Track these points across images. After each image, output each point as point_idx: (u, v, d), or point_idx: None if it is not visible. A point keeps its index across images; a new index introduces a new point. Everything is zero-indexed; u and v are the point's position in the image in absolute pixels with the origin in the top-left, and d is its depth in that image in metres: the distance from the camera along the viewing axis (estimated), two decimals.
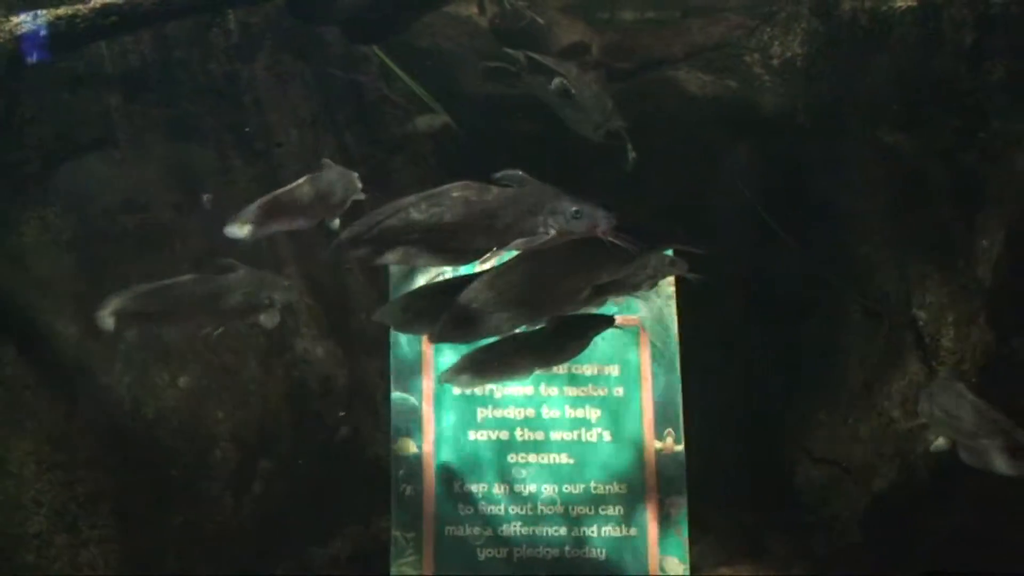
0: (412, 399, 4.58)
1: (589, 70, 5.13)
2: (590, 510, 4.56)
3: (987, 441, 3.79)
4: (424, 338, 4.51)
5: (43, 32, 3.96)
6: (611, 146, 4.67)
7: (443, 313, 3.30)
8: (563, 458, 4.59)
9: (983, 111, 4.44)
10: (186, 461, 4.55)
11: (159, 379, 4.49)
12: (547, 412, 4.61)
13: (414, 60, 5.03)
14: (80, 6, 4.01)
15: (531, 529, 4.54)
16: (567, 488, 4.57)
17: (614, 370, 4.64)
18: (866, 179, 4.86)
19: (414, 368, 4.60)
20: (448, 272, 4.41)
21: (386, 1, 4.44)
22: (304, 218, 3.72)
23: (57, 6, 4.00)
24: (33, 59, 4.00)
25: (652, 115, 5.12)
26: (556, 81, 4.42)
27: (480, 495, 4.55)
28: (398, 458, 4.54)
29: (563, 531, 4.54)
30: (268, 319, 3.90)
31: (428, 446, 4.56)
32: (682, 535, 4.55)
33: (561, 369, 4.56)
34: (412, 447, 4.55)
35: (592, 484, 4.58)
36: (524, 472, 4.57)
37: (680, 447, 4.61)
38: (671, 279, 4.52)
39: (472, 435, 4.59)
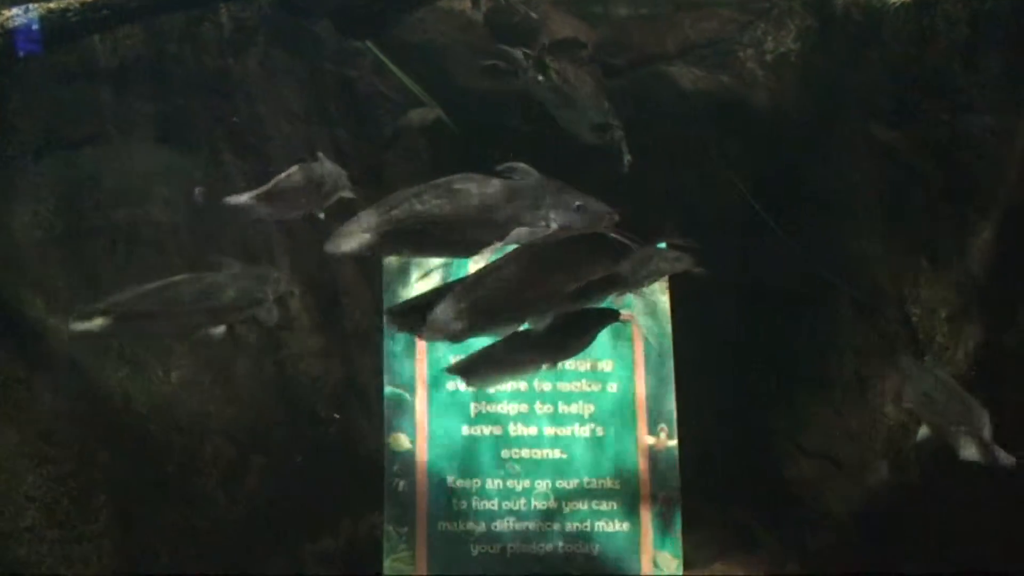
0: (405, 394, 4.58)
1: (583, 66, 5.11)
2: (583, 506, 4.56)
3: (956, 428, 3.82)
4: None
5: (35, 26, 3.95)
6: (606, 146, 4.66)
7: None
8: (556, 453, 4.60)
9: (976, 106, 4.44)
10: (178, 456, 4.55)
11: (151, 374, 4.48)
12: (540, 408, 4.61)
13: (407, 55, 5.01)
14: (72, 0, 4.00)
15: (524, 525, 4.54)
16: (560, 484, 4.57)
17: (607, 366, 4.65)
18: (859, 174, 4.86)
19: (408, 363, 4.60)
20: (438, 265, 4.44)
21: None
22: (294, 206, 3.73)
23: (49, 0, 3.99)
24: (24, 53, 3.99)
25: (645, 110, 5.11)
26: (552, 75, 4.39)
27: (473, 490, 4.55)
28: (391, 453, 4.54)
29: (556, 527, 4.54)
30: (266, 314, 3.88)
31: (421, 441, 4.55)
32: (675, 530, 4.56)
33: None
34: (405, 442, 4.55)
35: (585, 480, 4.58)
36: (517, 467, 4.57)
37: (673, 443, 4.62)
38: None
39: (465, 430, 4.59)
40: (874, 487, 4.69)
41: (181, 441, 4.54)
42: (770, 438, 5.11)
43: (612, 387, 4.63)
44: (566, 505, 4.56)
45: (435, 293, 3.55)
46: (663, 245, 3.89)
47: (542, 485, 4.57)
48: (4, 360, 4.17)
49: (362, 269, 4.94)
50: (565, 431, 4.61)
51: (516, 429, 4.60)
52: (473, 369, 3.72)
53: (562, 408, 4.61)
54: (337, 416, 4.89)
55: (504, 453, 4.58)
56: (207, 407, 4.61)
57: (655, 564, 4.52)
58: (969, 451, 3.78)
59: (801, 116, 5.04)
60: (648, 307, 4.62)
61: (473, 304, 3.21)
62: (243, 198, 3.59)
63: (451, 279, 4.55)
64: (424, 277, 4.60)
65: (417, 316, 3.39)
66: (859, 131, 4.80)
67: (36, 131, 4.30)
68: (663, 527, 4.55)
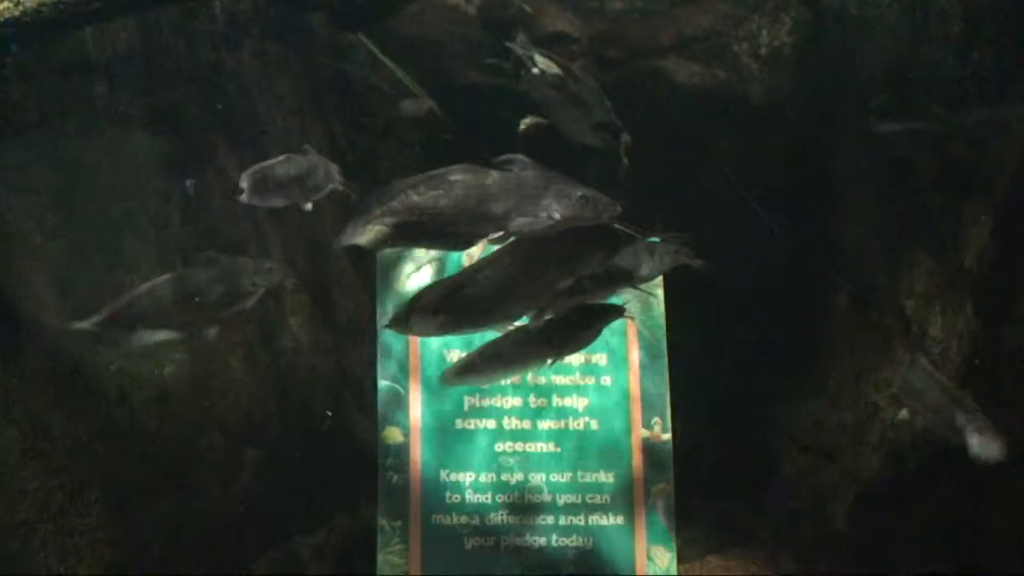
0: (399, 387, 4.58)
1: (577, 60, 5.10)
2: (577, 499, 4.56)
3: (952, 417, 3.85)
4: None
5: (27, 18, 3.93)
6: (608, 147, 4.65)
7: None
8: (550, 447, 4.59)
9: (971, 100, 4.44)
10: (172, 450, 4.53)
11: (145, 367, 4.47)
12: (534, 401, 4.61)
13: (401, 48, 5.01)
14: None
15: (518, 518, 4.54)
16: (554, 477, 4.57)
17: (601, 359, 4.64)
18: (854, 168, 4.86)
19: (401, 356, 4.59)
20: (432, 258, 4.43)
21: None
22: (278, 196, 3.72)
23: None
24: (17, 46, 3.97)
25: (640, 105, 5.11)
26: (557, 70, 4.37)
27: (467, 484, 4.55)
28: (385, 446, 4.54)
29: (550, 520, 4.54)
30: (246, 301, 3.88)
31: (415, 435, 4.55)
32: (669, 523, 4.55)
33: None
34: (399, 435, 4.55)
35: (579, 473, 4.58)
36: (511, 461, 4.57)
37: (667, 436, 4.61)
38: None
39: (459, 423, 4.58)
40: (869, 480, 4.69)
41: (175, 434, 4.52)
42: (764, 431, 5.11)
43: (606, 381, 4.63)
44: (560, 499, 4.56)
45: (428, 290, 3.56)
46: (656, 240, 3.90)
47: (536, 478, 4.56)
48: None
49: (356, 262, 4.94)
50: (559, 425, 4.61)
51: (510, 423, 4.59)
52: (476, 365, 3.71)
53: (556, 402, 4.61)
54: (329, 414, 4.88)
55: (498, 446, 4.58)
56: (201, 400, 4.60)
57: (649, 558, 4.52)
58: (974, 444, 3.81)
59: (796, 110, 5.05)
60: (642, 300, 4.61)
61: (461, 298, 3.20)
62: (226, 187, 3.60)
63: (445, 272, 4.56)
64: (418, 270, 4.60)
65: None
66: (854, 124, 4.80)
67: (28, 124, 4.28)
68: (657, 521, 4.54)
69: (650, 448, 4.60)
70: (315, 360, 4.88)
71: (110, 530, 4.32)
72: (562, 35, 5.16)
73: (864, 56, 4.76)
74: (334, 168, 3.88)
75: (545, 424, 4.60)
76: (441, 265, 4.58)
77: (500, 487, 4.55)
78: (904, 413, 4.20)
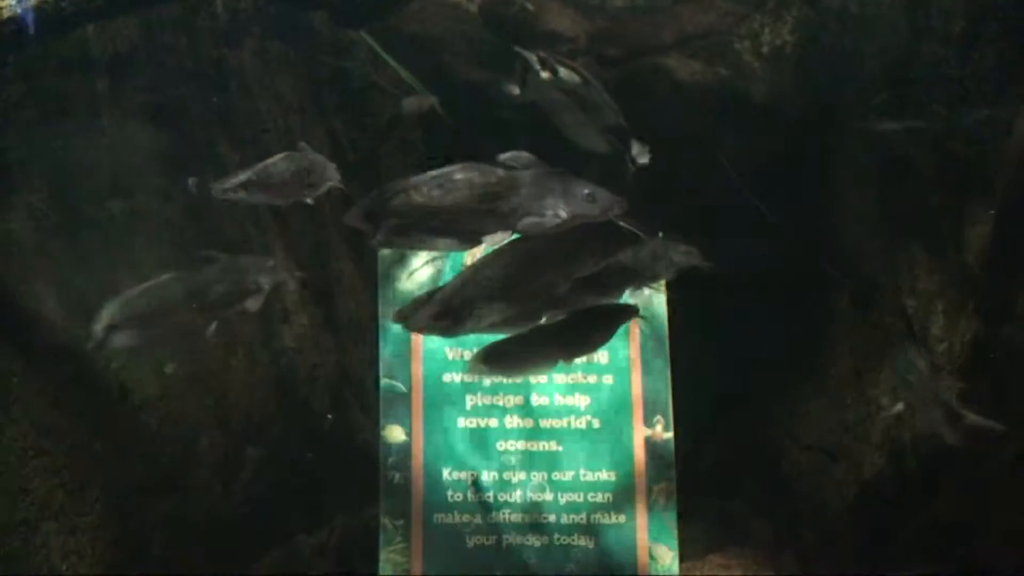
0: (401, 386, 4.57)
1: (576, 59, 5.10)
2: (579, 498, 4.56)
3: (933, 409, 3.90)
4: None
5: (29, 15, 3.93)
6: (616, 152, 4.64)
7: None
8: (552, 446, 4.59)
9: (972, 98, 4.44)
10: (173, 449, 4.53)
11: (146, 366, 4.46)
12: (536, 399, 4.61)
13: (403, 46, 5.00)
14: None
15: (520, 517, 4.54)
16: (556, 476, 4.57)
17: (603, 358, 4.64)
18: (855, 166, 4.86)
19: (403, 355, 4.59)
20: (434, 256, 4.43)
21: None
22: (276, 194, 3.72)
23: None
24: (19, 43, 3.96)
25: (642, 103, 5.10)
26: (571, 75, 4.36)
27: (469, 483, 4.54)
28: (387, 445, 4.54)
29: (552, 519, 4.54)
30: (252, 303, 3.87)
31: (417, 433, 4.55)
32: (671, 522, 4.55)
33: None
34: (401, 434, 4.55)
35: (581, 472, 4.58)
36: (513, 460, 4.57)
37: (669, 434, 4.61)
38: None
39: (461, 422, 4.58)
40: (870, 480, 4.69)
41: (176, 433, 4.52)
42: (766, 430, 5.11)
43: (608, 379, 4.63)
44: (562, 497, 4.56)
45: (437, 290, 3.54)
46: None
47: (538, 477, 4.56)
48: None
49: (357, 260, 4.94)
50: (561, 423, 4.61)
51: (512, 421, 4.59)
52: (488, 365, 3.67)
53: (558, 400, 4.61)
54: (330, 416, 4.88)
55: (500, 445, 4.58)
56: (202, 399, 4.60)
57: (651, 556, 4.52)
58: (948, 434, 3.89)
59: (797, 108, 5.04)
60: (644, 298, 4.61)
61: (462, 298, 3.19)
62: (225, 184, 3.60)
63: (446, 271, 4.56)
64: (419, 269, 4.60)
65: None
66: (855, 123, 4.80)
67: (30, 121, 4.27)
68: (659, 519, 4.55)
69: (652, 447, 4.60)
70: (316, 359, 4.87)
71: (111, 529, 4.32)
72: (555, 34, 5.15)
73: (865, 55, 4.76)
74: (332, 166, 3.88)
75: (547, 423, 4.60)
76: (442, 264, 4.58)
77: (502, 486, 4.55)
78: (900, 406, 4.24)
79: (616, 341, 4.61)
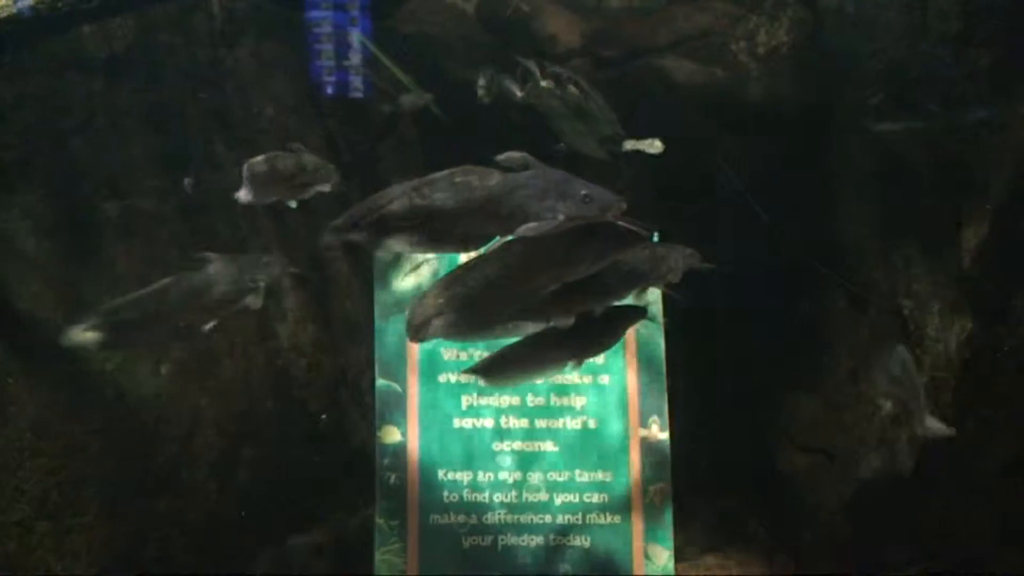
0: (397, 387, 4.57)
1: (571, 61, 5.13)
2: (575, 498, 4.56)
3: (916, 406, 3.93)
4: None
5: (25, 15, 3.93)
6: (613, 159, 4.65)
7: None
8: (548, 446, 4.59)
9: (969, 99, 4.44)
10: (169, 449, 4.53)
11: (142, 366, 4.46)
12: (532, 400, 4.61)
13: (398, 45, 5.00)
14: None
15: (516, 517, 4.54)
16: (552, 476, 4.57)
17: (599, 358, 4.63)
18: (852, 167, 4.86)
19: (399, 355, 4.59)
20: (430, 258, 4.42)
21: None
22: (264, 193, 3.73)
23: None
24: (14, 43, 3.97)
25: (638, 104, 5.10)
26: (571, 90, 4.38)
27: (465, 483, 4.54)
28: (383, 446, 4.53)
29: (548, 519, 4.54)
30: (252, 301, 3.87)
31: (413, 434, 4.55)
32: (667, 522, 4.55)
33: None
34: (397, 435, 4.55)
35: (577, 472, 4.58)
36: (509, 460, 4.57)
37: (665, 435, 4.61)
38: None
39: (457, 423, 4.58)
40: (867, 480, 4.69)
41: (171, 433, 4.52)
42: (762, 431, 5.11)
43: (604, 379, 4.63)
44: (557, 498, 4.56)
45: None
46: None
47: (534, 477, 4.56)
48: None
49: (353, 261, 4.93)
50: (557, 423, 4.61)
51: (508, 422, 4.59)
52: (496, 368, 3.66)
53: (554, 400, 4.61)
54: (324, 417, 4.87)
55: (496, 446, 4.58)
56: (197, 399, 4.60)
57: (646, 557, 4.52)
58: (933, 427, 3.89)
59: (793, 109, 5.05)
60: (639, 298, 4.61)
61: (453, 299, 3.18)
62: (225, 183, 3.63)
63: (442, 272, 4.56)
64: (415, 270, 4.60)
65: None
66: (852, 124, 4.80)
67: (27, 122, 4.27)
68: (655, 519, 4.55)
69: (648, 447, 4.61)
70: (312, 359, 4.87)
71: (107, 529, 4.32)
72: (551, 35, 5.16)
73: (862, 55, 4.76)
74: (328, 167, 3.88)
75: (543, 423, 4.60)
76: (438, 264, 4.58)
77: (498, 486, 4.55)
78: (889, 406, 4.25)
79: None
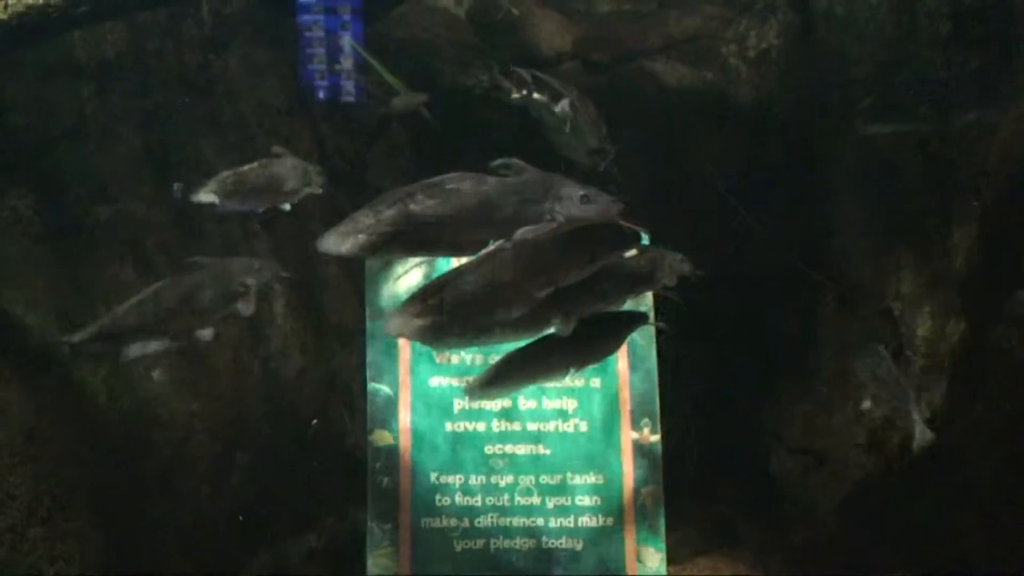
0: (388, 390, 4.57)
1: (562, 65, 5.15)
2: (567, 501, 4.56)
3: (905, 407, 3.97)
4: None
5: (14, 21, 3.93)
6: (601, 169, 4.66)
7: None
8: (540, 449, 4.59)
9: (957, 101, 4.45)
10: (162, 454, 4.53)
11: (134, 371, 4.46)
12: (524, 403, 4.61)
13: (390, 50, 5.00)
14: None
15: (508, 520, 4.54)
16: (544, 479, 4.57)
17: None
18: (841, 169, 4.87)
19: (390, 359, 4.59)
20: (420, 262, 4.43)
21: None
22: (254, 202, 3.74)
23: None
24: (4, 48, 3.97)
25: (628, 107, 5.11)
26: (563, 104, 4.41)
27: (457, 486, 4.55)
28: (374, 449, 4.53)
29: (540, 522, 4.54)
30: (244, 307, 3.87)
31: (404, 437, 4.55)
32: (659, 525, 4.56)
33: None
34: (388, 438, 4.55)
35: (569, 475, 4.58)
36: (501, 463, 4.57)
37: (656, 437, 4.62)
38: None
39: (449, 426, 4.58)
40: (857, 482, 4.70)
41: (164, 438, 4.52)
42: (753, 433, 5.12)
43: (595, 383, 4.63)
44: (549, 500, 4.56)
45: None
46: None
47: (526, 480, 4.56)
48: None
49: (344, 265, 4.93)
50: (548, 427, 4.61)
51: (499, 425, 4.59)
52: (500, 375, 3.65)
53: (545, 403, 4.61)
54: (315, 423, 4.87)
55: (488, 449, 4.58)
56: (190, 404, 4.59)
57: (639, 559, 4.53)
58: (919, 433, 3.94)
59: (783, 111, 5.06)
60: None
61: (440, 303, 3.17)
62: (205, 195, 3.62)
63: (433, 276, 4.56)
64: (406, 273, 4.60)
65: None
66: (841, 126, 4.81)
67: (16, 127, 4.27)
68: (646, 522, 4.55)
69: (639, 450, 4.61)
70: (304, 363, 4.87)
71: (99, 534, 4.31)
72: (542, 39, 5.17)
73: (851, 58, 4.77)
74: (312, 170, 3.88)
75: (535, 426, 4.60)
76: (429, 268, 4.58)
77: (490, 489, 4.55)
78: (868, 403, 4.28)
79: None
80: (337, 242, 3.00)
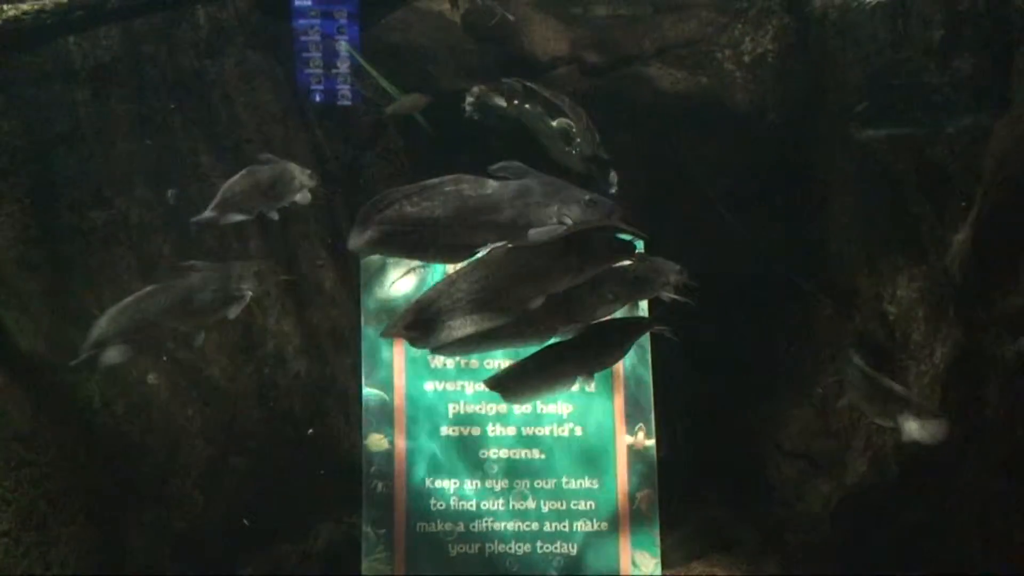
0: (384, 395, 4.58)
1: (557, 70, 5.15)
2: (561, 505, 4.57)
3: (895, 408, 4.01)
4: None
5: (9, 27, 3.94)
6: (595, 176, 4.67)
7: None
8: (535, 454, 4.60)
9: (952, 106, 4.46)
10: (156, 458, 4.53)
11: (128, 376, 4.46)
12: (519, 408, 4.61)
13: (385, 55, 5.00)
14: (47, 1, 3.99)
15: (502, 525, 4.54)
16: (538, 484, 4.58)
17: None
18: (836, 174, 4.88)
19: (386, 364, 4.59)
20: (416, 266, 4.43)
21: None
22: (244, 210, 3.75)
23: (24, 0, 3.98)
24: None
25: (624, 111, 5.12)
26: (559, 121, 4.43)
27: (451, 491, 4.55)
28: (369, 454, 4.54)
29: (535, 526, 4.55)
30: (234, 310, 3.87)
31: (399, 442, 4.55)
32: (653, 530, 4.56)
33: None
34: (383, 443, 4.55)
35: (563, 479, 4.59)
36: (495, 468, 4.57)
37: (651, 442, 4.62)
38: None
39: (444, 431, 4.59)
40: (853, 486, 4.70)
41: (158, 442, 4.52)
42: (749, 437, 5.12)
43: (590, 387, 4.63)
44: (544, 505, 4.57)
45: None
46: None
47: (520, 485, 4.57)
48: None
49: (340, 269, 4.93)
50: (543, 431, 4.61)
51: (494, 429, 4.60)
52: (507, 384, 3.62)
53: (540, 408, 4.61)
54: (311, 432, 4.87)
55: (482, 453, 4.58)
56: (184, 408, 4.59)
57: (633, 563, 4.53)
58: (911, 431, 3.99)
59: (778, 116, 5.06)
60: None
61: (438, 308, 3.17)
62: (204, 215, 3.71)
63: (429, 281, 4.57)
64: (402, 278, 4.60)
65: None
66: (836, 131, 4.81)
67: (12, 132, 4.27)
68: (641, 526, 4.56)
69: (634, 454, 4.62)
70: (299, 368, 4.87)
71: (94, 539, 4.31)
72: (538, 44, 5.17)
73: (846, 63, 4.78)
74: (302, 173, 3.89)
75: (529, 431, 4.61)
76: (425, 273, 4.59)
77: (484, 494, 4.55)
78: (845, 400, 4.39)
79: None
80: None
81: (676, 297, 3.69)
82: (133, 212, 4.50)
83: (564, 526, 4.55)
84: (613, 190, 4.44)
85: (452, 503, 4.54)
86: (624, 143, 4.85)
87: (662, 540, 4.57)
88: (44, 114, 4.31)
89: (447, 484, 4.55)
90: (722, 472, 5.07)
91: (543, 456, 4.60)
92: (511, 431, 4.60)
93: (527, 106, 4.42)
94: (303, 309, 4.91)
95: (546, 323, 3.39)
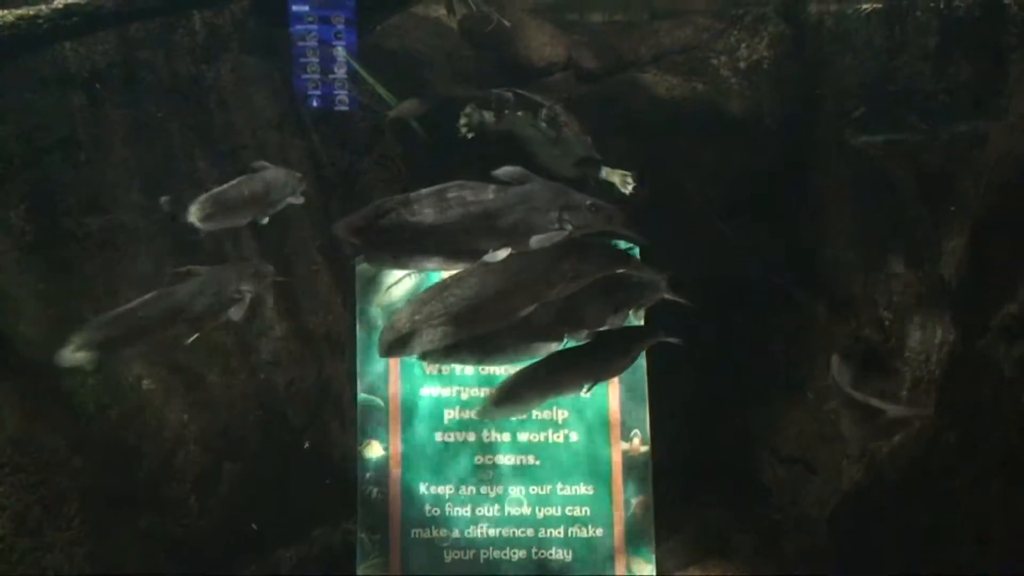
0: (379, 401, 4.58)
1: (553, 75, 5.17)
2: (557, 511, 4.56)
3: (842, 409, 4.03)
4: None
5: (5, 32, 3.94)
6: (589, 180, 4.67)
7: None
8: (530, 459, 4.60)
9: (947, 112, 4.46)
10: (151, 463, 4.52)
11: (124, 381, 4.46)
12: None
13: (381, 61, 5.01)
14: (43, 6, 3.99)
15: (498, 531, 4.54)
16: (534, 489, 4.57)
17: None
18: (832, 180, 4.88)
19: (381, 370, 4.59)
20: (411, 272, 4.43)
21: None
22: (238, 216, 3.75)
23: (19, 6, 3.98)
24: None
25: (619, 118, 5.12)
26: (548, 110, 4.43)
27: (447, 497, 4.54)
28: (364, 460, 4.54)
29: (530, 532, 4.55)
30: (236, 312, 3.86)
31: (395, 448, 4.55)
32: (649, 535, 4.56)
33: None
34: (379, 449, 4.55)
35: (559, 485, 4.58)
36: (491, 474, 4.57)
37: (646, 448, 4.62)
38: None
39: (439, 437, 4.58)
40: (849, 491, 4.70)
41: (153, 448, 4.51)
42: (744, 442, 5.12)
43: (585, 393, 4.62)
44: (539, 510, 4.56)
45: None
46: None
47: (515, 491, 4.57)
48: None
49: (335, 275, 4.94)
50: (538, 437, 4.61)
51: (489, 435, 4.60)
52: (513, 391, 3.61)
53: (535, 414, 4.61)
54: (307, 445, 4.87)
55: (478, 459, 4.58)
56: (179, 414, 4.59)
57: (629, 569, 4.52)
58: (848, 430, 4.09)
59: (774, 122, 5.07)
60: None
61: (429, 318, 3.17)
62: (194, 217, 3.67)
63: (424, 287, 4.56)
64: (397, 283, 4.60)
65: None
66: (832, 137, 4.82)
67: (7, 138, 4.27)
68: (637, 532, 4.55)
69: (629, 460, 4.61)
70: (294, 373, 4.87)
71: (89, 544, 4.30)
72: (534, 50, 5.18)
73: (842, 69, 4.79)
74: (295, 177, 3.89)
75: (524, 436, 4.61)
76: (419, 279, 4.58)
77: (480, 500, 4.55)
78: (832, 404, 4.38)
79: None
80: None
81: (676, 298, 3.69)
82: (130, 217, 4.50)
83: (559, 532, 4.55)
84: (629, 191, 4.42)
85: (447, 509, 4.53)
86: (619, 149, 4.85)
87: (658, 545, 4.56)
88: (40, 120, 4.31)
89: (442, 490, 4.55)
90: (718, 477, 5.07)
91: (538, 462, 4.59)
92: (506, 437, 4.60)
93: (519, 113, 4.43)
94: (298, 314, 4.91)
95: (556, 331, 3.38)
